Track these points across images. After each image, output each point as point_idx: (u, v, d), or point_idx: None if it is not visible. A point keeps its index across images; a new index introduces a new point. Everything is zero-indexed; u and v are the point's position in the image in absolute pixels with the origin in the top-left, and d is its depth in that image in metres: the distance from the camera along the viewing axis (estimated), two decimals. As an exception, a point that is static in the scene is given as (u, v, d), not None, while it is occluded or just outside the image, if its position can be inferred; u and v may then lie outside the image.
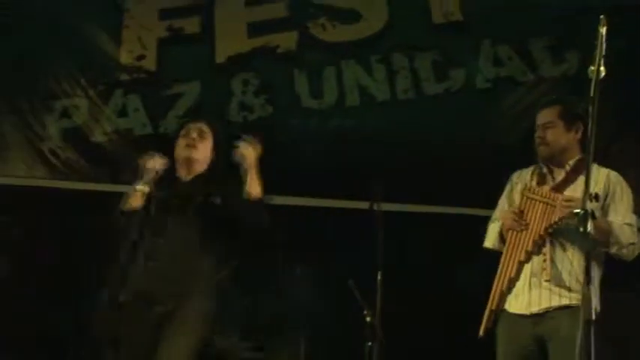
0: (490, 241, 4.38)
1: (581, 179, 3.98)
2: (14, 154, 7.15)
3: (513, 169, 4.49)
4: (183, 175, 4.65)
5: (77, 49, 7.22)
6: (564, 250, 4.08)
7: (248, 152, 4.58)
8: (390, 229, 5.73)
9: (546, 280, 4.02)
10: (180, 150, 4.65)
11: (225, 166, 4.75)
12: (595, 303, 3.89)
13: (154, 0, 7.29)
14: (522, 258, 4.11)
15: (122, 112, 7.18)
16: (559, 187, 4.17)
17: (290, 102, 7.09)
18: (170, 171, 4.66)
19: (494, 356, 4.23)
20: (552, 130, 4.23)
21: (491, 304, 4.13)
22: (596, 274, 4.06)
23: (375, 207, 5.77)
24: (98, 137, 7.14)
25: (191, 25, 7.26)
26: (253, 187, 4.58)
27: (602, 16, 3.38)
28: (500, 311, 4.18)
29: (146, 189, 4.45)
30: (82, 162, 7.10)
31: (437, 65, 6.93)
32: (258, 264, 6.29)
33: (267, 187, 6.65)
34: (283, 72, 7.13)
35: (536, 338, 4.05)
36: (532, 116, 6.34)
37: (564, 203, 3.99)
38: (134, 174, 4.56)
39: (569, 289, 4.02)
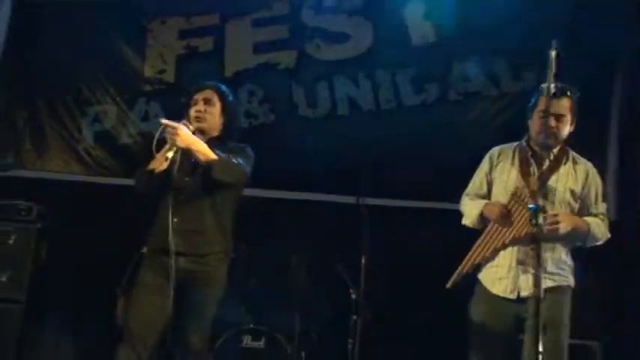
0: (470, 219, 4.25)
1: (564, 169, 4.05)
2: (53, 153, 7.14)
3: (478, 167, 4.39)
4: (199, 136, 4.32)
5: (108, 64, 7.21)
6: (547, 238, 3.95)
7: (178, 138, 4.07)
8: (374, 220, 5.81)
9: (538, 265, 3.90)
10: (192, 120, 4.37)
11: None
12: (571, 281, 4.04)
13: (174, 22, 7.24)
14: (499, 247, 4.02)
15: (145, 117, 7.17)
16: (543, 176, 4.03)
17: (289, 111, 7.08)
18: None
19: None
20: (563, 123, 4.05)
21: (462, 268, 4.08)
22: (569, 257, 4.08)
23: (361, 201, 5.87)
24: (125, 139, 7.14)
25: (205, 44, 7.23)
26: (204, 156, 4.13)
27: (553, 41, 3.46)
28: (482, 291, 4.10)
29: (170, 154, 4.12)
30: (111, 160, 7.10)
31: (415, 80, 6.93)
32: (261, 250, 6.24)
33: (269, 183, 6.80)
34: (283, 85, 7.11)
35: (517, 319, 3.96)
36: (495, 124, 6.55)
37: (550, 220, 3.89)
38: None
39: (552, 273, 3.98)
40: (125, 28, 7.25)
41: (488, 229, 4.07)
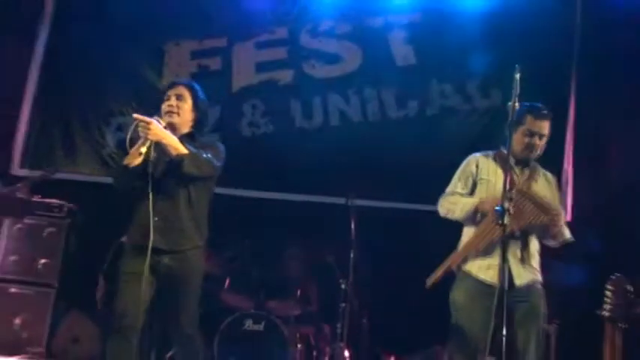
0: (462, 213, 4.02)
1: (540, 178, 4.05)
2: (82, 157, 7.13)
3: (454, 172, 4.29)
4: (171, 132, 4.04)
5: (130, 81, 7.19)
6: (532, 235, 3.95)
7: (149, 132, 3.83)
8: (361, 219, 5.81)
9: (525, 259, 3.89)
10: (164, 114, 4.11)
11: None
12: (539, 276, 4.01)
13: (187, 45, 7.23)
14: (495, 239, 3.83)
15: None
16: (527, 182, 4.00)
17: (287, 122, 7.07)
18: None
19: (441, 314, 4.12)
20: (544, 142, 4.00)
21: (450, 265, 3.96)
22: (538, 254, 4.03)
23: (350, 202, 5.85)
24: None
25: (214, 64, 7.22)
26: (175, 149, 3.87)
27: (516, 65, 3.52)
28: (466, 277, 3.98)
29: (144, 149, 3.87)
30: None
31: (398, 97, 6.96)
32: (261, 244, 6.25)
33: (269, 186, 6.79)
34: (282, 99, 7.11)
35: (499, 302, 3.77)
36: (467, 135, 6.55)
37: (556, 215, 3.84)
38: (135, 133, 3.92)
39: (533, 267, 3.95)
40: (145, 49, 7.25)
41: (485, 223, 3.90)
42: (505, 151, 3.94)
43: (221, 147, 4.23)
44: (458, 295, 4.00)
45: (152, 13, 7.19)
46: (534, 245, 3.99)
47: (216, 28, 7.24)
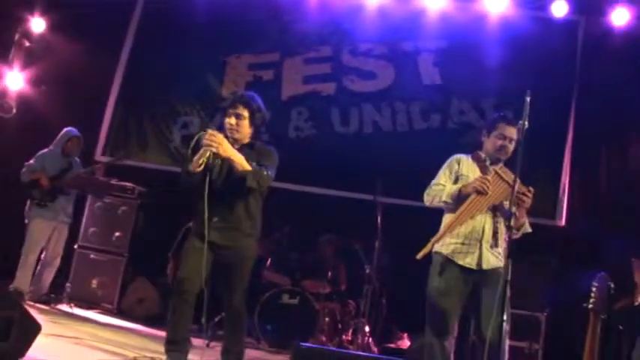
0: (449, 197, 3.87)
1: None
2: (151, 149, 7.31)
3: None
4: (232, 142, 3.95)
5: (195, 86, 7.33)
6: (502, 226, 3.81)
7: (220, 148, 3.78)
8: (385, 214, 5.86)
9: (495, 246, 3.74)
10: (226, 130, 4.03)
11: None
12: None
13: (245, 58, 7.34)
14: (473, 217, 3.74)
15: (220, 127, 7.14)
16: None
17: (327, 128, 7.13)
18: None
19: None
20: (513, 145, 3.89)
21: (437, 238, 3.78)
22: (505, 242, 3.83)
23: (377, 199, 5.90)
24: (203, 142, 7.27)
25: (267, 75, 7.31)
26: (241, 166, 3.84)
27: (527, 90, 3.53)
28: (444, 261, 3.84)
29: (204, 159, 3.82)
30: (192, 156, 7.16)
31: (423, 111, 6.97)
32: (299, 231, 6.31)
33: (308, 181, 6.84)
34: (324, 108, 7.17)
35: (474, 285, 3.78)
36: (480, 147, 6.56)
37: (527, 193, 3.69)
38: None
39: (500, 253, 3.80)
40: (210, 60, 7.37)
41: (467, 202, 3.75)
42: (481, 154, 4.01)
43: (275, 155, 4.15)
44: (436, 279, 3.89)
45: (217, 30, 7.32)
46: (502, 235, 3.83)
47: (271, 44, 7.33)
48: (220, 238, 3.97)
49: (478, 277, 3.77)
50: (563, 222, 5.59)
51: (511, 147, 3.91)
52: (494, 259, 3.78)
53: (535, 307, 5.26)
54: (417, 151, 6.81)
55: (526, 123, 3.59)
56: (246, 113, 4.02)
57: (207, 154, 3.82)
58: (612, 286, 3.39)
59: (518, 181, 3.49)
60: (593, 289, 3.43)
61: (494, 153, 3.95)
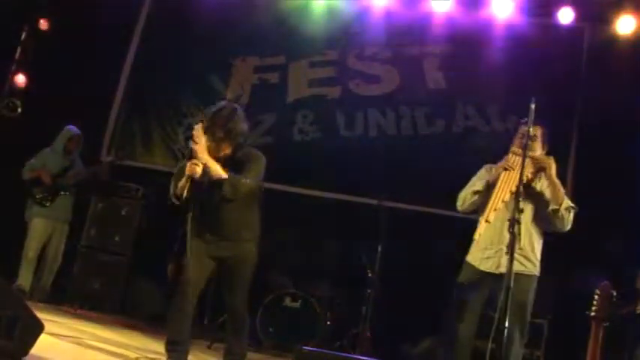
0: (480, 184, 3.93)
1: (542, 179, 3.89)
2: (157, 150, 7.34)
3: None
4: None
5: (200, 88, 7.33)
6: (527, 230, 3.79)
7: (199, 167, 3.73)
8: (389, 218, 5.83)
9: (519, 248, 3.56)
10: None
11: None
12: (539, 270, 3.89)
13: (251, 60, 7.36)
14: (506, 198, 3.70)
15: None
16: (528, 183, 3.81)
17: (332, 131, 7.12)
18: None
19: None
20: (537, 142, 3.90)
21: (487, 216, 3.69)
22: (540, 250, 3.90)
23: (381, 203, 5.88)
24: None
25: (273, 78, 7.33)
26: (216, 173, 3.74)
27: (532, 97, 3.55)
28: (469, 267, 3.87)
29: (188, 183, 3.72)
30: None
31: (428, 115, 6.95)
32: (302, 235, 6.34)
33: (312, 184, 6.82)
34: (329, 112, 7.17)
35: (493, 288, 3.77)
36: (485, 152, 6.34)
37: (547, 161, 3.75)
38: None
39: (528, 259, 3.82)
40: (215, 63, 7.40)
41: (501, 178, 3.76)
42: None
43: (261, 159, 4.00)
44: (460, 278, 3.93)
45: (223, 32, 7.35)
46: (528, 239, 3.84)
47: (276, 48, 7.34)
48: (217, 250, 3.97)
49: (498, 281, 3.70)
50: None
51: (533, 144, 3.88)
52: (515, 263, 3.59)
53: (537, 313, 5.11)
54: (421, 155, 6.84)
55: (531, 129, 3.64)
56: (220, 134, 3.85)
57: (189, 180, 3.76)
58: (615, 293, 3.39)
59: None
60: (596, 296, 3.43)
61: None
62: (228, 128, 3.87)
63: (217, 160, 3.82)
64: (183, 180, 3.81)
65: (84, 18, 7.10)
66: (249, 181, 3.86)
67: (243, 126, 3.97)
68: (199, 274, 3.95)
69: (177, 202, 3.92)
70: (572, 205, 3.85)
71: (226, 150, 3.92)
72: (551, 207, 3.83)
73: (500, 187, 3.75)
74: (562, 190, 3.84)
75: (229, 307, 4.13)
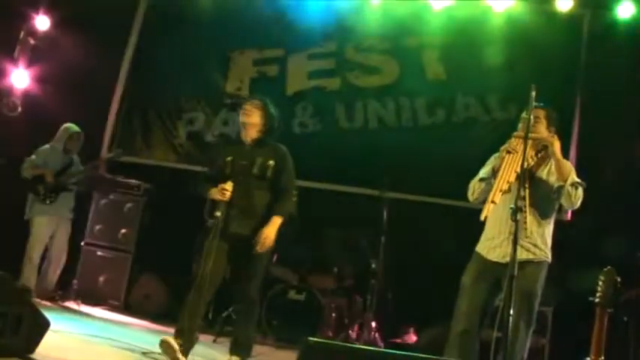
0: (485, 172, 3.91)
1: (549, 163, 3.87)
2: (157, 146, 7.35)
3: (473, 175, 4.09)
4: (248, 138, 4.33)
5: (200, 83, 7.34)
6: (533, 214, 3.75)
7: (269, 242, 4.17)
8: (391, 209, 5.89)
9: (525, 236, 3.65)
10: (240, 116, 4.41)
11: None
12: (549, 257, 3.84)
13: (250, 53, 7.34)
14: (511, 179, 3.62)
15: (225, 123, 7.26)
16: (534, 167, 3.83)
17: (332, 123, 7.12)
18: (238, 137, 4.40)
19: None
20: (539, 123, 3.85)
21: (492, 197, 3.57)
22: (550, 236, 3.86)
23: (383, 194, 5.93)
24: (209, 138, 7.26)
25: (272, 70, 7.32)
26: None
27: (532, 85, 3.54)
28: (477, 256, 3.87)
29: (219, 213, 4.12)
30: (198, 153, 7.19)
31: (428, 106, 6.94)
32: (307, 226, 6.22)
33: (314, 177, 6.76)
34: (329, 103, 7.16)
35: (499, 278, 3.70)
36: (485, 142, 6.26)
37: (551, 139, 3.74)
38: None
39: (536, 246, 3.78)
40: (214, 56, 7.39)
41: (504, 161, 3.71)
42: None
43: (289, 156, 4.46)
44: (468, 268, 3.91)
45: (222, 26, 7.34)
46: (536, 226, 3.80)
47: (275, 40, 7.33)
48: (239, 227, 4.16)
49: (504, 270, 3.59)
50: (569, 216, 5.59)
51: (537, 126, 3.85)
52: (522, 251, 3.66)
53: (541, 301, 5.18)
54: (422, 146, 6.84)
55: (532, 117, 3.63)
56: (257, 106, 4.41)
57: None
58: (619, 280, 3.39)
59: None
60: (600, 282, 3.44)
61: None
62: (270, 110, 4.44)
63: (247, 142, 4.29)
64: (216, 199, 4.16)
65: (82, 14, 7.09)
66: (291, 196, 4.37)
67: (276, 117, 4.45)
68: (217, 273, 4.12)
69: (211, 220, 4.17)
70: (579, 180, 3.78)
71: (255, 132, 4.32)
72: (557, 183, 3.79)
73: (504, 169, 3.70)
74: (567, 167, 3.79)
75: (244, 293, 4.23)
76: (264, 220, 4.20)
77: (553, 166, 3.87)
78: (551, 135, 3.87)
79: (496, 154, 4.03)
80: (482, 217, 3.63)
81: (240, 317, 4.34)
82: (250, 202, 4.22)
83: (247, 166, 4.25)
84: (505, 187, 3.65)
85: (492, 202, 3.58)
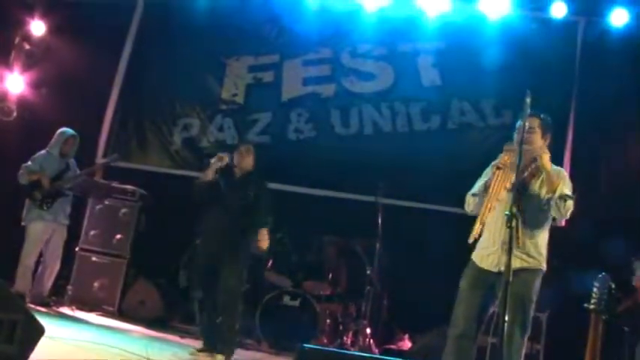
0: (477, 188, 3.90)
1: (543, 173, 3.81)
2: (152, 151, 7.35)
3: (468, 181, 4.06)
4: (239, 170, 5.01)
5: (195, 88, 7.34)
6: (526, 226, 3.71)
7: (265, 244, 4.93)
8: (386, 215, 5.88)
9: (517, 247, 3.53)
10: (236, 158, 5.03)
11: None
12: (543, 265, 3.81)
13: (245, 60, 7.35)
14: (501, 197, 3.67)
15: (220, 129, 7.27)
16: (528, 178, 3.80)
17: (327, 129, 7.12)
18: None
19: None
20: (533, 134, 3.81)
21: (482, 218, 3.63)
22: (544, 244, 3.84)
23: (378, 200, 5.93)
24: (204, 144, 7.27)
25: (267, 77, 7.33)
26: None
27: (527, 90, 3.54)
28: (472, 265, 3.86)
29: (215, 166, 4.88)
30: (193, 158, 7.20)
31: (423, 112, 6.95)
32: (300, 234, 6.34)
33: (308, 183, 6.83)
34: (324, 110, 7.16)
35: (493, 286, 3.72)
36: (480, 147, 6.46)
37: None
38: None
39: (529, 255, 3.74)
40: (209, 63, 7.39)
41: (493, 180, 3.73)
42: None
43: (269, 192, 5.17)
44: (463, 275, 3.92)
45: (217, 32, 7.35)
46: (529, 236, 3.77)
47: (270, 46, 7.33)
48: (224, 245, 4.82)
49: (497, 279, 3.68)
50: (563, 222, 5.61)
51: (531, 136, 3.82)
52: (516, 260, 3.60)
53: (536, 307, 5.20)
54: (417, 152, 6.84)
55: (526, 124, 3.63)
56: (251, 150, 5.10)
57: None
58: (613, 286, 3.40)
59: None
60: (595, 289, 3.44)
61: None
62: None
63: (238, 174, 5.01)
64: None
65: (78, 20, 7.10)
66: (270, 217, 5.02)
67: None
68: (211, 283, 4.86)
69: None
70: (568, 193, 3.77)
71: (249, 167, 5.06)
72: (546, 195, 3.78)
73: (493, 186, 3.72)
74: (557, 180, 3.76)
75: (225, 282, 4.74)
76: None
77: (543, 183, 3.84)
78: (541, 147, 3.83)
79: (494, 162, 3.97)
80: (470, 240, 3.66)
81: (223, 312, 4.77)
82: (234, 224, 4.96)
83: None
84: (494, 204, 3.69)
85: (481, 223, 3.61)
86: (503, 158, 3.79)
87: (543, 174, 3.82)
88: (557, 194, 3.74)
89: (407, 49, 7.10)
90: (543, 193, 3.83)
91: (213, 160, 4.96)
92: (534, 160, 3.84)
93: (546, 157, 3.78)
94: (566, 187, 3.79)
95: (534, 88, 3.64)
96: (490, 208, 3.66)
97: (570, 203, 3.76)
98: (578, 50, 6.66)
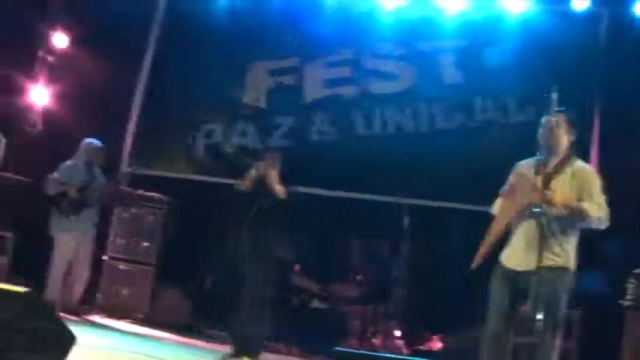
0: (494, 209, 3.87)
1: (567, 171, 3.74)
2: (176, 158, 7.38)
3: (492, 178, 3.95)
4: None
5: (216, 94, 7.34)
6: (551, 222, 3.63)
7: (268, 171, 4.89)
8: (412, 215, 5.84)
9: (546, 245, 3.54)
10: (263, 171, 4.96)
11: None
12: (572, 263, 3.73)
13: (267, 64, 7.35)
14: (503, 226, 3.69)
15: (243, 134, 7.27)
16: (550, 175, 3.71)
17: (349, 131, 7.10)
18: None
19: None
20: (555, 131, 3.68)
21: (486, 247, 3.69)
22: (573, 242, 3.74)
23: (402, 200, 5.90)
24: (227, 150, 7.26)
25: (289, 80, 7.31)
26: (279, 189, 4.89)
27: (553, 86, 3.48)
28: (496, 264, 3.80)
29: (252, 176, 4.89)
30: (216, 165, 7.21)
31: (445, 111, 6.91)
32: (329, 234, 6.36)
33: (333, 185, 6.83)
34: (346, 111, 7.15)
35: (522, 285, 3.64)
36: (503, 145, 6.41)
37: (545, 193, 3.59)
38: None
39: (555, 254, 3.64)
40: (230, 68, 7.39)
41: (500, 207, 3.76)
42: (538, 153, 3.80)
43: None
44: (492, 280, 3.85)
45: (237, 37, 7.34)
46: (556, 238, 3.68)
47: (290, 50, 7.33)
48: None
49: (526, 278, 3.63)
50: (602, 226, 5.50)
51: (553, 133, 3.73)
52: (547, 260, 3.58)
53: (569, 305, 5.10)
54: (440, 151, 6.80)
55: (553, 118, 3.57)
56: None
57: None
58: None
59: (538, 178, 3.48)
60: (630, 285, 3.37)
61: (543, 145, 3.78)
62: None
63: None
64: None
65: (99, 31, 7.16)
66: None
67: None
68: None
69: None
70: (600, 215, 3.65)
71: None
72: (577, 224, 3.69)
73: (497, 219, 3.72)
74: (583, 210, 3.62)
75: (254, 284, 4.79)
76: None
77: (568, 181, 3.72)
78: (565, 148, 3.71)
79: (520, 162, 3.91)
80: (473, 266, 3.64)
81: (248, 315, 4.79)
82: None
83: None
84: (495, 239, 3.69)
85: (482, 256, 3.62)
86: (513, 181, 3.72)
87: (568, 170, 3.71)
88: (589, 220, 3.62)
89: (427, 48, 7.06)
90: (569, 194, 3.70)
91: (252, 171, 4.94)
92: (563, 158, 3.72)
93: (557, 199, 3.61)
94: (593, 205, 3.65)
95: (558, 83, 3.58)
96: (491, 243, 3.65)
97: (605, 215, 3.67)
98: (602, 42, 6.54)
